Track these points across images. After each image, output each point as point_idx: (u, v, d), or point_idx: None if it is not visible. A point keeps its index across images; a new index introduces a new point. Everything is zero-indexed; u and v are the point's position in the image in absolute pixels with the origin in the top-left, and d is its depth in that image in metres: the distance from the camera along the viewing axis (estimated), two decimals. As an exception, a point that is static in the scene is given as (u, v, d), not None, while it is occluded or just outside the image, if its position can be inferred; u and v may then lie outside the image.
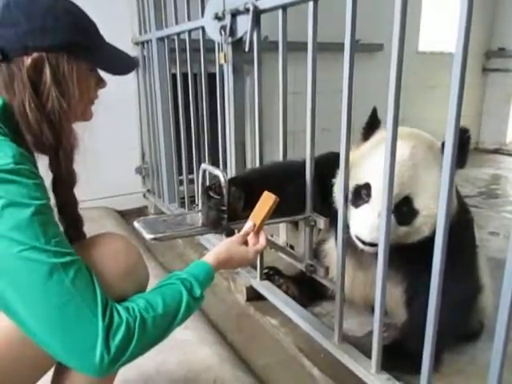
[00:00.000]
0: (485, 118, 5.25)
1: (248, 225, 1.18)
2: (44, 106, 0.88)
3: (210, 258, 1.03)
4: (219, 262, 1.04)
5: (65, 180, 1.00)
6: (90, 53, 0.94)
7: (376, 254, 1.22)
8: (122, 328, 0.77)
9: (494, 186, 3.82)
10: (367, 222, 1.27)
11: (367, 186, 1.31)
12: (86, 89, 0.96)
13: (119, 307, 0.80)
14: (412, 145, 1.29)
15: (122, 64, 1.05)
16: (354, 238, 1.32)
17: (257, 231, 1.17)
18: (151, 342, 0.84)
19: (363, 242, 1.29)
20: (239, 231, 1.18)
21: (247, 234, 1.17)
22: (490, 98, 5.16)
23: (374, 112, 1.40)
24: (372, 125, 1.40)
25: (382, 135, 1.24)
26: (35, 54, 0.86)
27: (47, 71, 0.87)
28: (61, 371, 0.97)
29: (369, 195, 1.31)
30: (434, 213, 1.23)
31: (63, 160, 0.96)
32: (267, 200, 1.19)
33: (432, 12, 4.48)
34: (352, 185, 1.34)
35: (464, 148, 1.21)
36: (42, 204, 0.78)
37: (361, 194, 1.32)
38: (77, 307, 0.75)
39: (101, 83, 1.02)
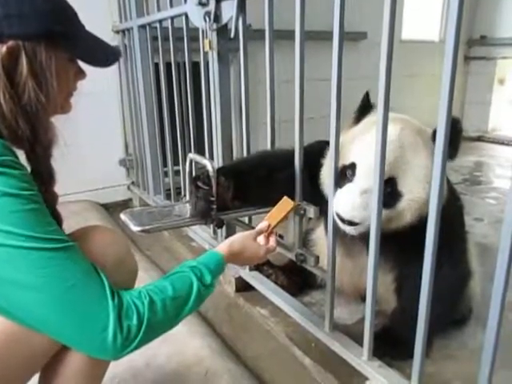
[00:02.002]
0: (467, 107, 5.31)
1: (263, 224, 1.19)
2: (20, 98, 0.83)
3: (223, 247, 1.04)
4: (231, 253, 1.04)
5: (42, 176, 0.95)
6: (70, 42, 0.89)
7: (365, 242, 1.22)
8: (133, 308, 0.78)
9: (478, 173, 3.88)
10: (348, 200, 1.23)
11: (353, 166, 1.29)
12: (64, 80, 0.91)
13: (127, 291, 0.81)
14: (400, 127, 1.27)
15: (103, 55, 0.99)
16: (335, 217, 1.28)
17: (270, 232, 1.19)
18: (162, 325, 0.84)
19: (342, 220, 1.24)
20: (228, 222, 1.17)
21: (261, 232, 1.17)
22: (472, 87, 5.22)
23: (367, 96, 1.39)
24: (364, 109, 1.38)
25: (373, 119, 1.22)
26: (10, 42, 0.81)
27: (23, 61, 0.82)
28: (50, 369, 0.94)
29: (353, 175, 1.28)
30: (418, 197, 1.24)
31: (41, 155, 0.92)
32: (286, 205, 1.23)
33: (411, 0, 4.49)
34: (341, 161, 1.31)
35: (455, 139, 1.19)
36: (32, 194, 0.77)
37: (346, 174, 1.30)
38: (84, 290, 0.75)
39: (80, 75, 0.97)
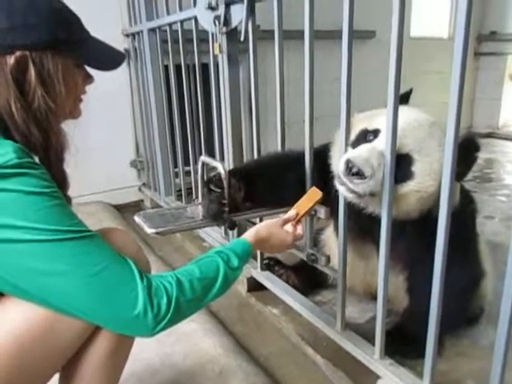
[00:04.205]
0: (477, 103, 5.27)
1: (291, 213, 1.22)
2: (30, 106, 0.87)
3: (249, 233, 1.08)
4: (258, 239, 1.08)
5: (56, 180, 0.98)
6: (75, 48, 0.92)
7: (375, 241, 1.22)
8: (161, 287, 0.83)
9: (488, 170, 3.85)
10: (363, 150, 1.16)
11: (376, 131, 1.25)
12: (72, 86, 0.94)
13: (155, 274, 0.86)
14: (425, 117, 1.28)
15: (108, 59, 1.02)
16: (342, 170, 1.16)
17: (297, 221, 1.20)
18: (190, 304, 0.88)
19: (350, 170, 1.12)
20: (239, 222, 1.19)
21: (288, 220, 1.20)
22: (483, 82, 5.18)
23: (409, 92, 1.42)
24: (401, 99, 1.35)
25: (404, 107, 1.22)
26: (18, 53, 0.84)
27: (31, 70, 0.85)
28: (70, 367, 0.97)
29: (375, 138, 1.24)
30: (427, 185, 1.22)
31: (53, 160, 0.95)
32: (314, 195, 1.23)
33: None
34: (358, 129, 1.29)
35: (469, 158, 1.20)
36: (54, 190, 0.81)
37: (366, 137, 1.26)
38: (113, 272, 0.80)
39: (88, 79, 1.00)
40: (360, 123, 1.30)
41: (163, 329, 0.84)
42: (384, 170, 1.11)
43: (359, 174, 1.12)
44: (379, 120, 1.27)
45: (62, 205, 0.81)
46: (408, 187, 1.23)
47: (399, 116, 1.07)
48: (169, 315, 0.82)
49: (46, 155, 0.91)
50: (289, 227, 1.19)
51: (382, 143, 1.17)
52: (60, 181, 0.98)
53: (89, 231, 0.82)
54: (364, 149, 1.17)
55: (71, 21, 0.93)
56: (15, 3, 0.84)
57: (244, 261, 1.00)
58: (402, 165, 1.17)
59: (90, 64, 0.97)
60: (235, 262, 0.97)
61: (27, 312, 0.83)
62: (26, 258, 0.75)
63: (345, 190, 1.19)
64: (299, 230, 1.20)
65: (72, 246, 0.78)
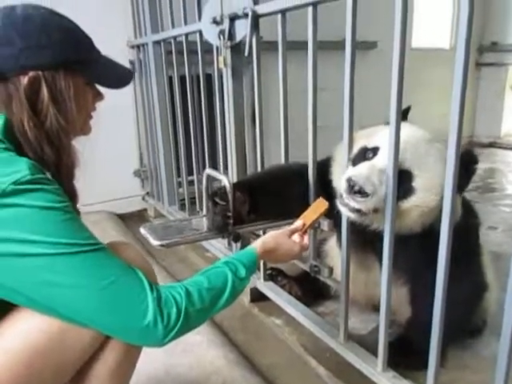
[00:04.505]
0: (479, 113, 5.30)
1: (298, 223, 1.22)
2: (43, 124, 0.89)
3: (256, 244, 1.09)
4: (265, 249, 1.09)
5: (67, 195, 1.00)
6: (86, 68, 0.95)
7: (378, 253, 1.23)
8: (171, 298, 0.85)
9: (490, 180, 3.85)
10: (364, 168, 1.18)
11: (375, 149, 1.27)
12: (83, 103, 0.97)
13: (164, 285, 0.88)
14: (423, 132, 1.30)
15: (118, 77, 1.06)
16: (344, 187, 1.18)
17: (304, 231, 1.21)
18: (200, 314, 0.90)
19: (352, 188, 1.15)
20: (243, 235, 1.20)
21: (295, 231, 1.20)
22: (484, 93, 5.20)
23: (407, 109, 1.43)
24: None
25: (403, 123, 1.19)
26: (31, 73, 0.87)
27: (44, 89, 0.88)
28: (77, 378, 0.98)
29: (374, 156, 1.26)
30: (429, 200, 1.23)
31: (65, 176, 0.97)
32: (320, 205, 1.24)
33: (421, 8, 4.51)
34: (358, 146, 1.31)
35: (467, 171, 1.21)
36: (67, 205, 0.83)
37: (365, 155, 1.28)
38: (124, 284, 0.82)
39: (98, 96, 1.03)
40: (360, 140, 1.32)
41: (173, 338, 0.85)
42: (385, 186, 1.13)
43: (361, 192, 1.14)
44: (378, 137, 1.30)
45: (74, 219, 0.83)
46: (410, 203, 1.25)
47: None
48: (178, 325, 0.84)
49: (57, 171, 0.94)
50: (296, 237, 1.19)
51: (381, 160, 1.20)
52: (71, 196, 1.00)
53: (99, 244, 0.84)
54: (364, 167, 1.20)
55: (82, 41, 0.97)
56: (28, 25, 0.87)
57: (251, 271, 1.02)
58: (402, 181, 1.19)
59: (100, 82, 1.01)
60: (242, 272, 0.98)
61: (40, 323, 0.84)
62: (41, 271, 0.77)
63: (347, 210, 1.21)
64: (306, 240, 1.20)
65: (84, 258, 0.80)
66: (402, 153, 1.16)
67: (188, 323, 0.86)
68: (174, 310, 0.84)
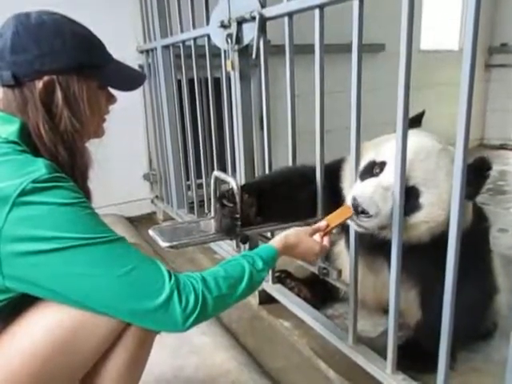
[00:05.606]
0: (489, 114, 5.24)
1: (321, 223, 1.22)
2: (57, 127, 0.92)
3: (277, 239, 1.10)
4: (286, 245, 1.10)
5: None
6: (99, 72, 0.97)
7: (386, 255, 1.23)
8: (189, 285, 0.88)
9: (501, 183, 3.81)
10: (369, 187, 1.20)
11: (382, 164, 1.28)
12: (96, 107, 0.99)
13: (182, 273, 0.91)
14: (432, 143, 1.28)
15: (130, 80, 1.08)
16: (348, 202, 1.23)
17: (326, 232, 1.21)
18: (217, 301, 0.91)
19: (356, 208, 1.19)
20: (251, 236, 1.21)
21: (318, 230, 1.20)
22: (494, 94, 5.15)
23: (422, 114, 1.42)
24: (412, 122, 1.32)
25: (413, 131, 1.21)
26: (46, 78, 0.89)
27: (58, 93, 0.91)
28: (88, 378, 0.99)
29: (381, 172, 1.27)
30: (437, 215, 1.23)
31: (79, 177, 0.99)
32: (346, 211, 1.24)
33: (430, 10, 4.49)
34: (366, 160, 1.32)
35: (479, 178, 1.21)
36: (84, 201, 0.85)
37: (372, 170, 1.29)
38: (143, 271, 0.85)
39: (111, 99, 1.05)
40: (369, 151, 1.32)
41: (192, 324, 0.87)
42: (392, 203, 1.15)
43: (365, 213, 1.18)
44: (386, 148, 1.30)
45: (92, 213, 0.86)
46: (417, 218, 1.26)
47: (407, 144, 1.09)
48: (197, 311, 0.86)
49: (71, 173, 0.95)
50: (317, 237, 1.19)
51: (387, 178, 1.21)
52: (85, 196, 1.02)
53: (118, 235, 0.87)
54: (369, 186, 1.22)
55: (95, 45, 0.99)
56: (43, 31, 0.89)
57: (269, 264, 1.03)
58: (409, 197, 1.20)
59: (112, 85, 1.03)
60: (260, 264, 1.00)
61: (57, 318, 0.86)
62: (63, 264, 0.80)
63: (354, 225, 1.25)
64: (326, 241, 1.20)
65: (104, 249, 0.83)
66: (409, 169, 1.16)
67: (206, 309, 0.88)
68: (193, 295, 0.87)
